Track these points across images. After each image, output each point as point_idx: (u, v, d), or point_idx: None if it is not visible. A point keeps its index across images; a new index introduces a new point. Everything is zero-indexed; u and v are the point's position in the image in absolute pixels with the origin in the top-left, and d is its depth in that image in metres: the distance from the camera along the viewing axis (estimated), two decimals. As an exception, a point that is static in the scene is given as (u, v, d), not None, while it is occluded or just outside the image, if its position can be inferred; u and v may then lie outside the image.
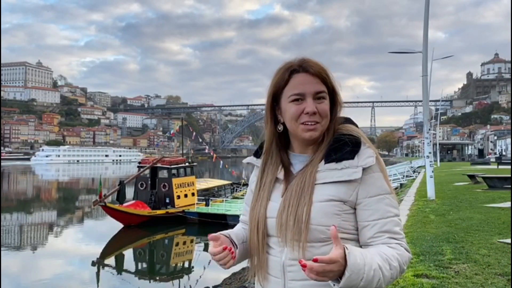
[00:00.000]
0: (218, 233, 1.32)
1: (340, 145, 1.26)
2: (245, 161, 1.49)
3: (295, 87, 1.26)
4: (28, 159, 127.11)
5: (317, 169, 1.25)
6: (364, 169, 1.22)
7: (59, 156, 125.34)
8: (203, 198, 21.59)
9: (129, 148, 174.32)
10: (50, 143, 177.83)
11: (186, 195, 21.21)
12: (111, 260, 15.01)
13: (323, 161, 1.26)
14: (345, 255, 1.08)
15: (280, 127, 1.33)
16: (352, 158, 1.23)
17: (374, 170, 1.24)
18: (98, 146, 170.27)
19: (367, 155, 1.24)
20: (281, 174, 1.33)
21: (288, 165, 1.34)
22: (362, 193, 1.23)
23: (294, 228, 1.21)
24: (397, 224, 1.24)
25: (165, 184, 20.76)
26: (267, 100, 1.33)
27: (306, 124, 1.25)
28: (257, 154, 1.44)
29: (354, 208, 1.25)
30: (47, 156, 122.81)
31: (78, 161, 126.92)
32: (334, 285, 1.10)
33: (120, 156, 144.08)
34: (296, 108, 1.25)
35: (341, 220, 1.23)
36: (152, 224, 18.97)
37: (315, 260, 1.03)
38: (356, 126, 1.35)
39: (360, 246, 1.25)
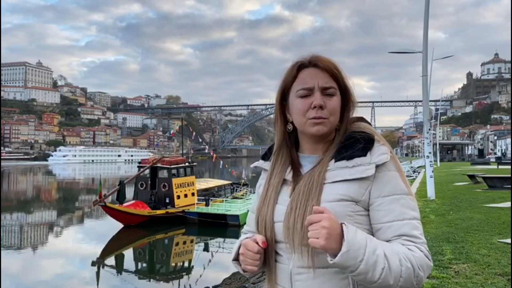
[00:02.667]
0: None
1: (352, 142, 1.18)
2: (253, 165, 1.41)
3: (303, 81, 1.21)
4: (45, 159, 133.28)
5: (326, 168, 1.18)
6: (377, 167, 1.14)
7: (75, 156, 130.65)
8: (203, 198, 21.56)
9: (129, 148, 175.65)
10: (50, 143, 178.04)
11: (186, 195, 21.19)
12: (111, 260, 15.00)
13: (333, 160, 1.19)
14: (342, 230, 1.03)
15: (290, 127, 1.27)
16: (364, 155, 1.15)
17: (389, 169, 1.16)
18: (99, 146, 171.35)
19: (381, 151, 1.16)
20: (289, 176, 1.25)
21: (298, 167, 1.27)
22: (375, 192, 1.15)
23: (302, 232, 1.11)
24: (415, 227, 1.14)
25: (165, 184, 20.73)
26: (276, 98, 1.28)
27: (313, 119, 1.19)
28: (265, 157, 1.37)
29: (368, 209, 1.16)
30: (64, 156, 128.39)
31: (92, 160, 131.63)
32: (331, 260, 1.04)
33: (131, 156, 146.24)
34: (303, 102, 1.20)
35: (354, 222, 1.13)
36: (152, 224, 18.96)
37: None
38: (370, 124, 1.28)
39: None
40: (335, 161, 1.18)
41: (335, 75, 1.22)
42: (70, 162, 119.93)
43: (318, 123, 1.18)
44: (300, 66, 1.24)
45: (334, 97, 1.21)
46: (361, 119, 1.29)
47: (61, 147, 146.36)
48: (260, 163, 1.38)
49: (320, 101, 1.18)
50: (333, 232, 1.03)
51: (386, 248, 1.06)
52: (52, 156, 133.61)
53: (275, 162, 1.31)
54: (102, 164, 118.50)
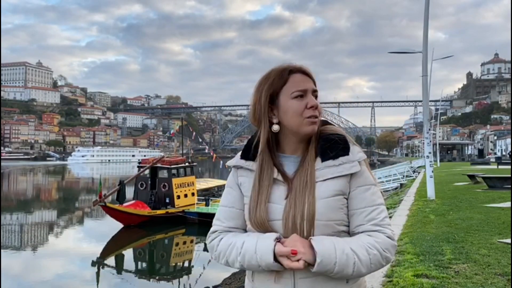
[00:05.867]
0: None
1: (332, 144, 1.33)
2: (231, 163, 1.42)
3: (297, 85, 1.33)
4: (45, 159, 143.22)
5: (315, 167, 1.31)
6: (358, 162, 1.33)
7: (93, 156, 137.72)
8: (203, 198, 21.58)
9: (143, 148, 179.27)
10: (50, 143, 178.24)
11: (186, 195, 21.20)
12: (111, 260, 15.01)
13: (319, 160, 1.32)
14: (311, 244, 1.21)
15: (276, 127, 1.34)
16: (347, 154, 1.32)
17: (362, 163, 1.34)
18: (98, 145, 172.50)
19: (357, 150, 1.35)
20: (279, 176, 1.33)
21: (281, 167, 1.35)
22: (353, 184, 1.32)
23: (300, 226, 1.25)
24: (382, 211, 1.32)
25: (165, 184, 20.74)
26: (264, 100, 1.34)
27: (310, 118, 1.31)
28: (246, 157, 1.40)
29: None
30: (83, 156, 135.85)
31: (109, 160, 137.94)
32: (311, 269, 1.20)
33: (144, 156, 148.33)
34: (299, 103, 1.32)
35: (343, 214, 1.31)
36: (152, 224, 18.97)
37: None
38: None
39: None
40: (322, 161, 1.31)
41: (315, 82, 1.37)
42: (88, 162, 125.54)
43: (314, 122, 1.32)
44: (290, 71, 1.35)
45: (317, 100, 1.36)
46: (326, 122, 1.41)
47: (80, 148, 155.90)
48: (241, 162, 1.40)
49: (316, 102, 1.33)
50: (306, 251, 1.20)
51: (353, 243, 1.24)
52: (52, 156, 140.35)
53: (262, 162, 1.35)
54: (117, 164, 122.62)
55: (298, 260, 1.19)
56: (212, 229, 1.41)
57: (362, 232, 1.29)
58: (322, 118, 1.38)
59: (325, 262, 1.19)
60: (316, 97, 1.35)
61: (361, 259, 1.22)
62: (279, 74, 1.34)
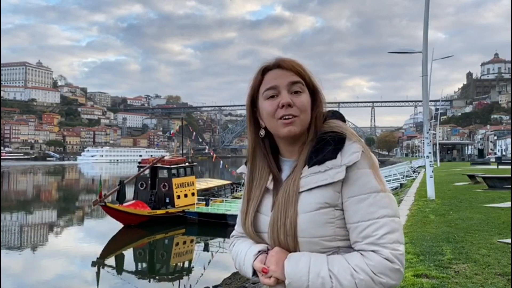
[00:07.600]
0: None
1: (322, 145, 1.15)
2: (238, 171, 1.39)
3: (268, 82, 1.20)
4: (45, 159, 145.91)
5: (301, 175, 1.16)
6: (348, 167, 1.11)
7: (102, 156, 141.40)
8: (203, 198, 21.58)
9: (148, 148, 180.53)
10: (50, 143, 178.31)
11: (186, 195, 21.19)
12: (111, 260, 15.01)
13: (306, 166, 1.16)
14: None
15: (262, 132, 1.25)
16: (335, 157, 1.12)
17: (359, 167, 1.12)
18: (98, 146, 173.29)
19: (352, 151, 1.13)
20: (271, 184, 1.24)
21: (277, 173, 1.25)
22: (345, 193, 1.12)
23: (285, 242, 1.15)
24: (381, 226, 1.09)
25: (165, 184, 20.74)
26: (246, 104, 1.27)
27: (283, 119, 1.16)
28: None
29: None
30: (92, 156, 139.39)
31: (117, 160, 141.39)
32: None
33: (151, 155, 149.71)
34: (270, 103, 1.18)
35: (336, 228, 1.13)
36: (152, 224, 18.97)
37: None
38: (343, 120, 1.24)
39: None
40: (308, 167, 1.15)
41: (300, 73, 1.20)
42: (98, 162, 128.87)
43: (288, 123, 1.15)
44: (265, 70, 1.23)
45: (303, 94, 1.19)
46: (335, 114, 1.26)
47: (89, 148, 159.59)
48: (244, 169, 1.35)
49: (287, 99, 1.16)
50: (278, 269, 1.13)
51: (335, 265, 1.09)
52: (52, 156, 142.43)
53: (251, 170, 1.29)
54: (125, 163, 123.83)
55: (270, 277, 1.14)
56: (232, 233, 1.43)
57: (358, 251, 1.11)
58: (330, 109, 1.25)
59: (294, 284, 1.09)
60: (298, 91, 1.18)
61: (342, 283, 1.06)
62: (256, 75, 1.24)
